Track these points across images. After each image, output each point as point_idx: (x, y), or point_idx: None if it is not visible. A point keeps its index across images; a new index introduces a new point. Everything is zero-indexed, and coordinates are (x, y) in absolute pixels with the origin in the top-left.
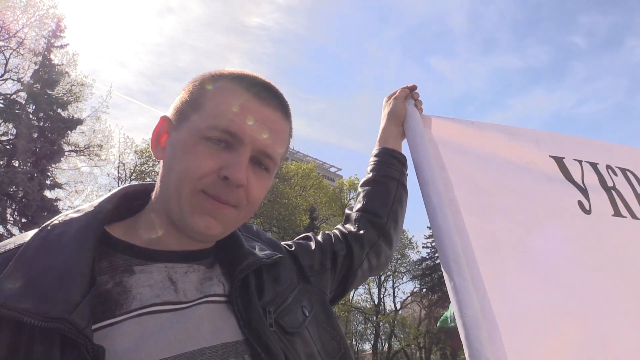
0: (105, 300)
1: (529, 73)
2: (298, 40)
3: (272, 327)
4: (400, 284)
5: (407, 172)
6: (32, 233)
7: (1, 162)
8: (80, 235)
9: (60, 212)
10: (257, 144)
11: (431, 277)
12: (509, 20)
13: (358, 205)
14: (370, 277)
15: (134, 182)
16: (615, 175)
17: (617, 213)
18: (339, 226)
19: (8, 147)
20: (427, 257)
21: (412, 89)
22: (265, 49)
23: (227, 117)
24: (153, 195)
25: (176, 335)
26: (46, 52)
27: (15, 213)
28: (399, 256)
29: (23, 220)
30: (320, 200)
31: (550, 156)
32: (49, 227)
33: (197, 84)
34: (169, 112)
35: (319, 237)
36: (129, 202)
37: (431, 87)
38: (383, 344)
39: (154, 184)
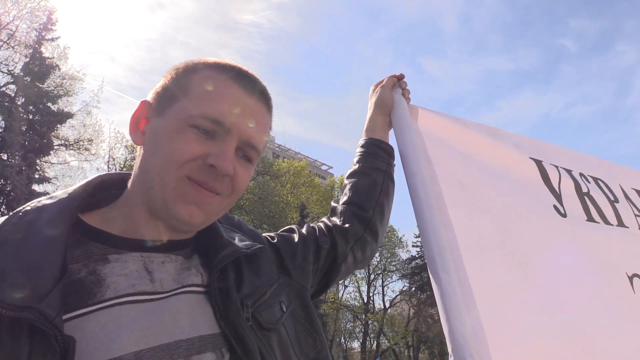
0: (78, 289)
1: (519, 75)
2: (289, 39)
3: (249, 321)
4: (389, 283)
5: (395, 162)
6: (2, 219)
7: None
8: (52, 222)
9: None
10: (243, 135)
11: (420, 276)
12: (499, 22)
13: (344, 198)
14: (358, 274)
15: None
16: (589, 182)
17: (590, 218)
18: (325, 219)
19: None
20: (417, 255)
21: (400, 77)
22: (257, 46)
23: (215, 106)
24: (130, 183)
25: (151, 326)
26: (37, 45)
27: (4, 206)
28: (389, 255)
29: (11, 214)
30: (311, 198)
31: (530, 158)
32: (21, 214)
33: (180, 71)
34: (149, 97)
35: (303, 230)
36: (106, 190)
37: (422, 88)
38: (372, 342)
39: (131, 173)
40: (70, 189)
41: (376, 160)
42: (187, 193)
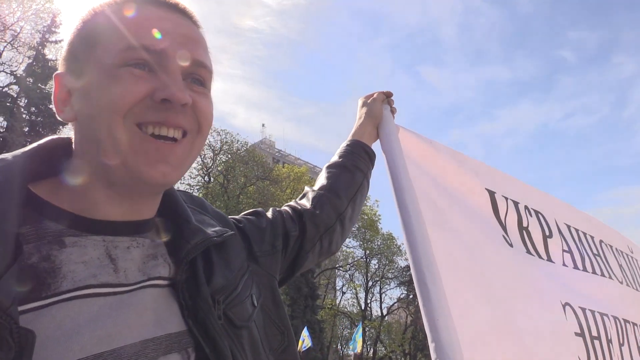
0: (29, 277)
1: (517, 85)
2: (290, 45)
3: (221, 319)
4: (387, 290)
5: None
6: None
7: None
8: (2, 191)
9: None
10: (182, 55)
11: None
12: (498, 32)
13: (320, 184)
14: (356, 281)
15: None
16: (531, 216)
17: (528, 251)
18: (292, 202)
19: None
20: None
21: (388, 95)
22: (258, 51)
23: (138, 33)
24: (75, 157)
25: (116, 325)
26: (40, 47)
27: None
28: (387, 262)
29: None
30: None
31: (485, 188)
32: None
33: (83, 21)
34: (61, 69)
35: (269, 214)
36: (55, 158)
37: (420, 96)
38: (368, 349)
39: None
40: (19, 152)
41: (359, 160)
42: (147, 150)
